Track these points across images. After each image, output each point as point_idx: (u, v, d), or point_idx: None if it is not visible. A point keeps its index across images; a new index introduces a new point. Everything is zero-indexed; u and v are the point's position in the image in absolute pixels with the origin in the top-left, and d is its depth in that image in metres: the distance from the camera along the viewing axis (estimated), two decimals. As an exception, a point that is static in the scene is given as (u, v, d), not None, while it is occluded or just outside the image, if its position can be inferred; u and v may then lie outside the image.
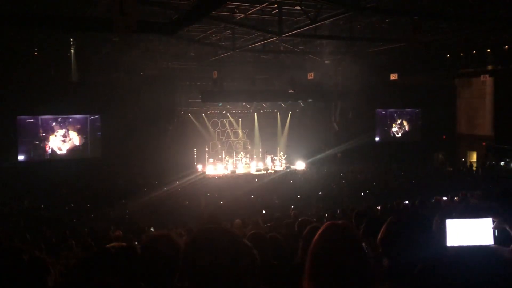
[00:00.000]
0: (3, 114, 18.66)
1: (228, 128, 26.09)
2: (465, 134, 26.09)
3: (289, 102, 25.43)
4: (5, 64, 18.15)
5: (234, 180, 20.79)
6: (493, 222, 2.56)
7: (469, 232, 2.54)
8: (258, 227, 7.32)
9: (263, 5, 13.67)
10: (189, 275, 1.76)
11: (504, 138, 22.70)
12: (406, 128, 27.69)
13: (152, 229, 11.39)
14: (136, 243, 7.48)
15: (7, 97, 18.53)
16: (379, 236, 2.61)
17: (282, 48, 20.02)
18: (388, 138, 27.24)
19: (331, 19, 13.46)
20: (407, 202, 10.75)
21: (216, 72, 20.91)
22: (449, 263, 2.36)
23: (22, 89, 18.74)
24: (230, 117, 26.02)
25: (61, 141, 21.03)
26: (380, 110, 26.99)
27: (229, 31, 16.86)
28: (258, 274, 1.85)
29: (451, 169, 23.45)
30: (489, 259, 2.48)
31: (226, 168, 24.03)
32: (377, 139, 26.92)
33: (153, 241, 2.48)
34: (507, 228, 2.53)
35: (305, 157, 24.85)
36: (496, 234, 2.55)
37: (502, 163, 22.45)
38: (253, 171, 23.67)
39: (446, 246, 2.52)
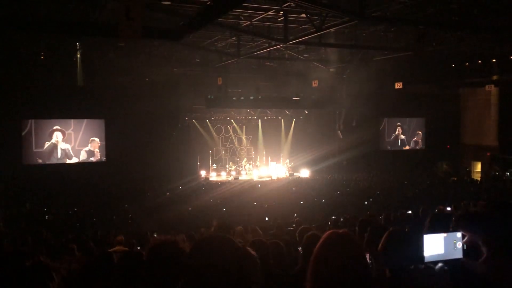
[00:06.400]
0: (8, 117, 18.73)
1: (232, 135, 26.13)
2: (469, 144, 25.97)
3: (293, 109, 25.45)
4: (11, 68, 18.26)
5: (237, 186, 20.76)
6: (463, 236, 2.59)
7: (440, 245, 2.57)
8: (258, 234, 7.29)
9: (269, 12, 13.75)
10: (191, 282, 1.76)
11: (509, 149, 22.61)
12: (410, 137, 27.61)
13: (155, 234, 11.37)
14: (138, 247, 7.48)
15: (13, 100, 18.64)
16: (380, 245, 2.62)
17: (287, 56, 20.07)
18: (392, 146, 27.16)
19: (336, 27, 13.50)
20: (410, 212, 10.67)
21: (221, 78, 20.97)
22: (425, 275, 2.40)
23: (28, 93, 18.86)
24: (234, 124, 26.08)
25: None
26: (384, 118, 26.95)
27: (234, 38, 16.94)
28: (260, 282, 1.86)
29: (455, 179, 23.33)
30: (458, 272, 2.51)
31: (229, 174, 24.03)
32: (381, 147, 26.85)
33: (159, 247, 2.47)
34: (479, 242, 2.55)
35: (309, 165, 24.82)
36: (465, 248, 2.58)
37: (507, 174, 22.33)
38: (256, 178, 23.66)
39: (424, 258, 2.55)
